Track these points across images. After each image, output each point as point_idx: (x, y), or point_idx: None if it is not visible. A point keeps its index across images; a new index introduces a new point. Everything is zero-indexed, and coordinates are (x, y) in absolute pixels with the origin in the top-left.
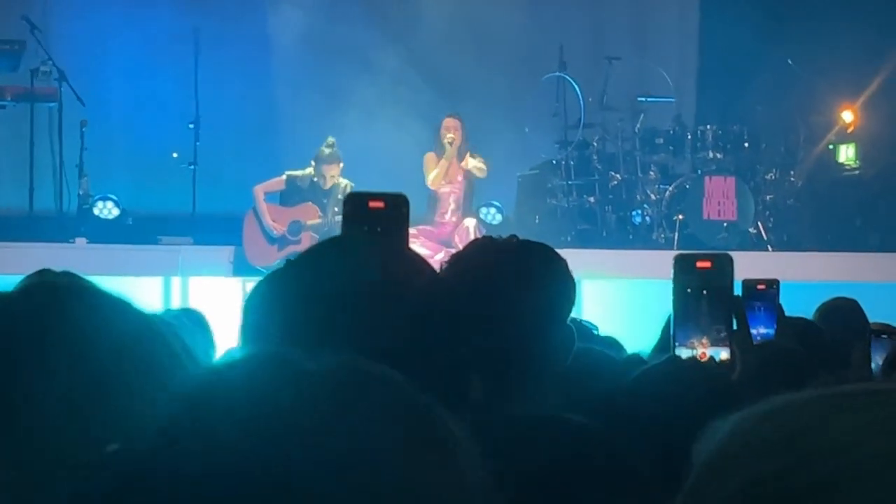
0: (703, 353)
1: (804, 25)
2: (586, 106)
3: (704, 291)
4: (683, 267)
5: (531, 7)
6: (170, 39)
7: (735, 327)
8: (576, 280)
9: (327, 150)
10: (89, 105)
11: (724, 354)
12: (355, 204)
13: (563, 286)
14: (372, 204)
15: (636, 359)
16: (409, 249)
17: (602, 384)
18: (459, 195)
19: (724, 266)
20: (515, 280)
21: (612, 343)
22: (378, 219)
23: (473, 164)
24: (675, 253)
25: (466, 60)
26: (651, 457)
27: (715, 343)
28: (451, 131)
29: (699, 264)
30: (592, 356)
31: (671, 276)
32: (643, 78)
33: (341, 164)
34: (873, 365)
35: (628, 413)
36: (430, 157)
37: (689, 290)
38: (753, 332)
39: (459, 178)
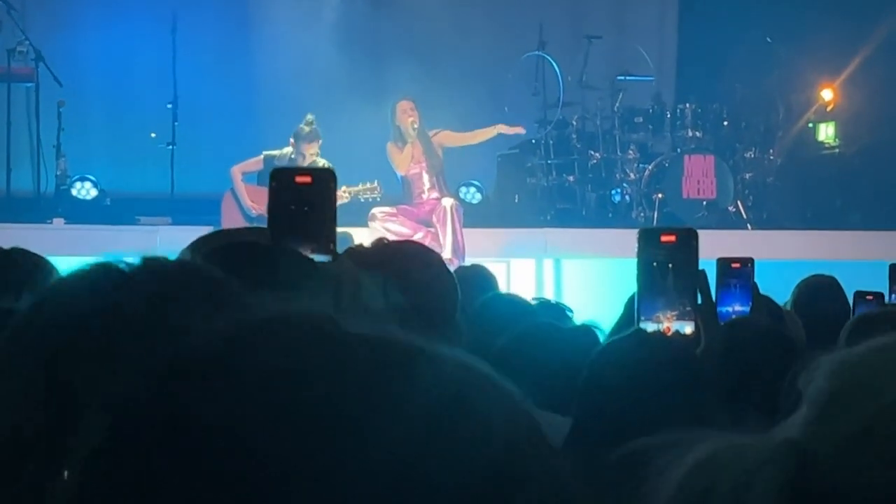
0: (668, 328)
1: (783, 3)
2: (565, 85)
3: (669, 265)
4: (648, 241)
5: None
6: (148, 19)
7: (700, 301)
8: (556, 259)
9: (307, 128)
10: (67, 85)
11: (688, 328)
12: (281, 180)
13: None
14: (299, 179)
15: (584, 329)
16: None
17: (553, 355)
18: (431, 173)
19: (688, 240)
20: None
21: (587, 331)
22: (305, 194)
23: (441, 139)
24: (639, 229)
25: (446, 39)
26: (617, 427)
27: (680, 317)
28: (410, 115)
29: (664, 238)
30: (542, 327)
31: (635, 249)
32: (622, 57)
33: (320, 142)
34: None
35: (594, 385)
36: (391, 146)
37: (654, 265)
38: (728, 309)
39: (424, 157)
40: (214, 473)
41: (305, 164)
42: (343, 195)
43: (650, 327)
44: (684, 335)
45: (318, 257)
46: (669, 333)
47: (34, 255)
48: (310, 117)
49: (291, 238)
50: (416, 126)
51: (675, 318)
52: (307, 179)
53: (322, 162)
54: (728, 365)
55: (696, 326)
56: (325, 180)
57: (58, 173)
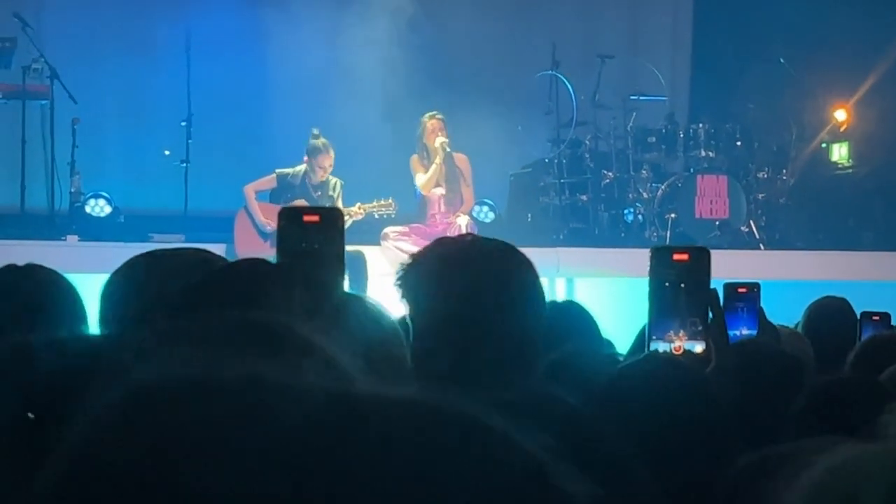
0: (679, 347)
1: (797, 24)
2: (579, 104)
3: (682, 284)
4: (661, 260)
5: (524, 5)
6: (162, 37)
7: (711, 320)
8: (568, 278)
9: (318, 142)
10: (81, 103)
11: (699, 347)
12: (290, 218)
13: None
14: (307, 218)
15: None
16: None
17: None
18: (450, 196)
19: (700, 259)
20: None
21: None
22: (313, 233)
23: (461, 164)
24: (651, 247)
25: (460, 58)
26: (631, 450)
27: (691, 336)
28: (440, 135)
29: (676, 257)
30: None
31: (648, 269)
32: (636, 76)
33: (333, 153)
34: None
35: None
36: (415, 160)
37: (666, 284)
38: (736, 332)
39: (446, 181)
40: None
41: (322, 178)
42: (357, 212)
43: (661, 347)
44: (695, 354)
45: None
46: (680, 352)
47: (50, 270)
48: (316, 131)
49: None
50: (446, 148)
51: (686, 337)
52: (315, 218)
53: (334, 181)
54: (736, 384)
55: (707, 345)
56: (333, 219)
57: (72, 190)
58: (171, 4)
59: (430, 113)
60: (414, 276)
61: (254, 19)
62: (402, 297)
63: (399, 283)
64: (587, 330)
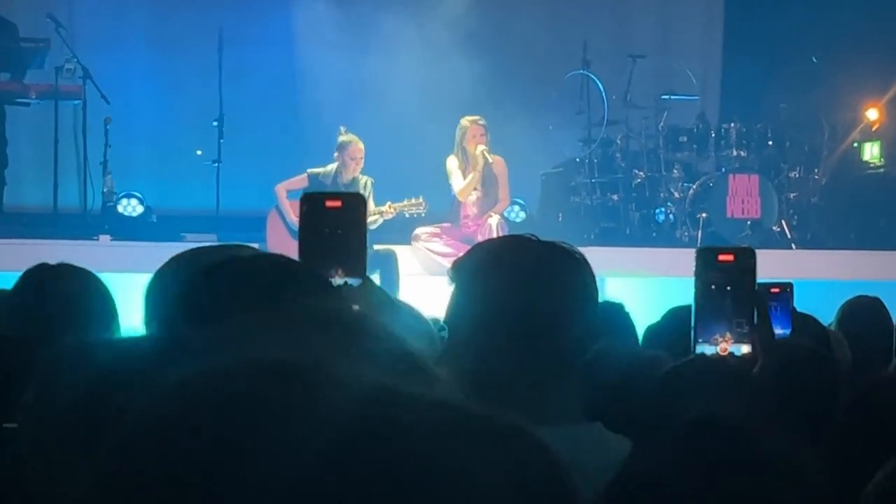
0: (725, 349)
1: (828, 23)
2: (610, 104)
3: (728, 287)
4: (706, 261)
5: (555, 4)
6: (194, 37)
7: (756, 322)
8: (599, 278)
9: (346, 137)
10: (114, 103)
11: (745, 349)
12: (312, 204)
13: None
14: (329, 204)
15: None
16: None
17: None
18: (484, 201)
19: (746, 260)
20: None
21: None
22: (335, 219)
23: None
24: (696, 248)
25: (491, 57)
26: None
27: (737, 338)
28: (480, 140)
29: (721, 258)
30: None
31: (693, 270)
32: (667, 75)
33: (362, 146)
34: None
35: (657, 413)
36: (452, 161)
37: (712, 286)
38: None
39: (482, 186)
40: None
41: (352, 172)
42: (388, 211)
43: (707, 350)
44: (741, 356)
45: (349, 280)
46: (725, 354)
47: (81, 270)
48: (343, 129)
49: (322, 262)
50: (487, 156)
51: (732, 339)
52: (337, 204)
53: (364, 179)
54: (785, 387)
55: (753, 347)
56: (355, 204)
57: (104, 190)
58: (204, 4)
59: (473, 118)
60: (471, 269)
61: (286, 18)
62: (455, 283)
63: (455, 272)
64: (622, 328)
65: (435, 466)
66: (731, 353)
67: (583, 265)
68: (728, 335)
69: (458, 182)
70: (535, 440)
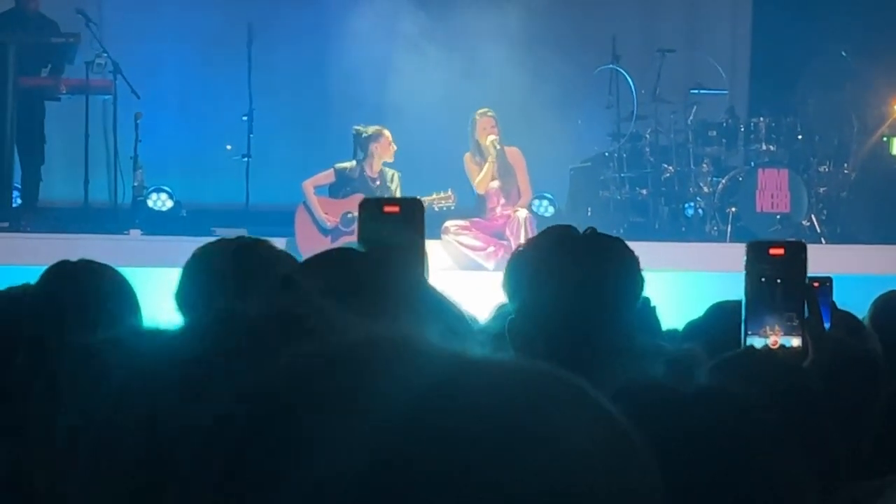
0: (776, 341)
1: (858, 16)
2: (639, 98)
3: (778, 280)
4: (757, 254)
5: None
6: (224, 31)
7: (807, 314)
8: None
9: (369, 129)
10: (144, 97)
11: (795, 342)
12: (371, 209)
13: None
14: (387, 209)
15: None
16: None
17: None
18: (506, 189)
19: (797, 253)
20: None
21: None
22: (393, 223)
23: (513, 159)
24: (747, 242)
25: (519, 52)
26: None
27: (787, 331)
28: (490, 132)
29: (772, 251)
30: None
31: (744, 263)
32: (696, 70)
33: (387, 134)
34: None
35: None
36: (469, 160)
37: (762, 279)
38: None
39: (500, 175)
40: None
41: (378, 164)
42: None
43: (757, 342)
44: (791, 349)
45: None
46: (776, 347)
47: (103, 265)
48: (359, 127)
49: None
50: (497, 145)
51: (782, 332)
52: (395, 209)
53: (391, 173)
54: (838, 384)
55: (804, 340)
56: (413, 210)
57: (134, 184)
58: None
59: (482, 110)
60: (529, 262)
61: (315, 13)
62: (508, 284)
63: (512, 268)
64: (648, 324)
65: (523, 424)
66: (782, 346)
67: (637, 262)
68: (778, 328)
69: (474, 176)
70: (607, 403)
